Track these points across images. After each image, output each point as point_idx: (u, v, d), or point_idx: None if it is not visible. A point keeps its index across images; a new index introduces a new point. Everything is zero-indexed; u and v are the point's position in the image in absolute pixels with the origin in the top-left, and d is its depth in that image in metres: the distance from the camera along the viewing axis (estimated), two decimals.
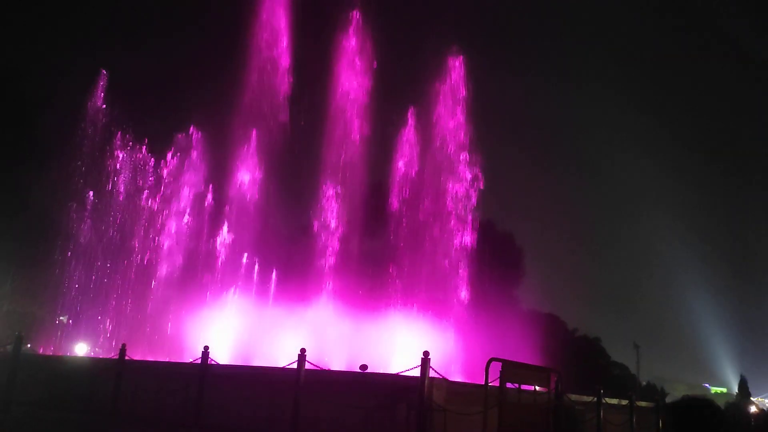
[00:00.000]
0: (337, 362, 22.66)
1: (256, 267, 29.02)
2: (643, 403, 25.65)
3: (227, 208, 29.65)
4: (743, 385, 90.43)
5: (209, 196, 31.75)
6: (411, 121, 28.90)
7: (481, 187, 28.41)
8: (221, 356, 16.93)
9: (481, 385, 13.47)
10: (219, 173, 30.89)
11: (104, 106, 32.62)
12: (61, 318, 38.16)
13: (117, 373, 17.37)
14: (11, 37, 54.94)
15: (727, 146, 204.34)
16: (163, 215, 32.88)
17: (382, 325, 24.51)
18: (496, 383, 13.32)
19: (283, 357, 15.52)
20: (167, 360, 25.15)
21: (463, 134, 28.69)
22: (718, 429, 4.08)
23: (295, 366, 14.36)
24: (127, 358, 17.91)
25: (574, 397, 18.77)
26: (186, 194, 32.62)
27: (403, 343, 22.06)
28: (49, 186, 35.38)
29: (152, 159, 33.28)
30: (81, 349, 34.58)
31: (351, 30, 29.21)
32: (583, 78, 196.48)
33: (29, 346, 31.24)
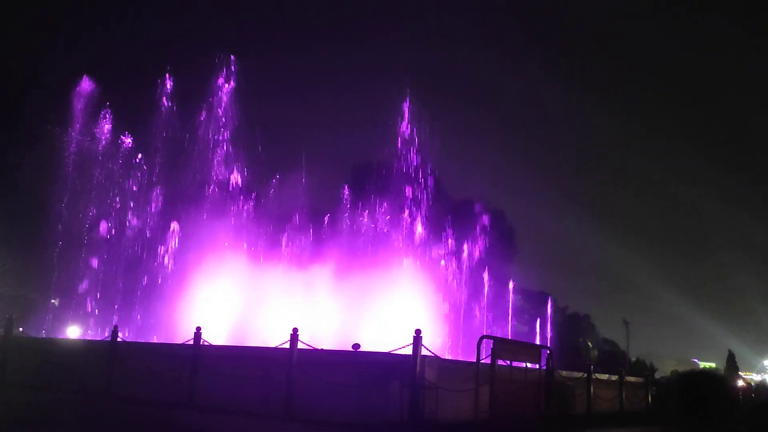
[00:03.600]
0: (330, 341, 22.76)
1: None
2: (632, 379, 25.99)
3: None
4: (731, 360, 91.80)
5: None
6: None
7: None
8: (214, 336, 16.92)
9: (473, 363, 13.58)
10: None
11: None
12: (53, 301, 38.03)
13: (110, 354, 17.37)
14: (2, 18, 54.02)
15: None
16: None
17: (376, 299, 24.60)
18: (488, 360, 13.44)
19: (276, 336, 15.57)
20: (160, 341, 25.18)
21: None
22: (722, 396, 4.38)
23: (287, 345, 14.41)
24: (119, 339, 17.91)
25: (564, 373, 18.97)
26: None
27: (395, 320, 22.16)
28: (38, 165, 35.04)
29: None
30: (73, 331, 34.53)
31: None
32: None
33: (21, 330, 31.14)
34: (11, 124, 34.62)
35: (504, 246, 45.88)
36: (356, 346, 18.44)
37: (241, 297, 25.91)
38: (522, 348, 15.93)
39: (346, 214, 29.59)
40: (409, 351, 13.08)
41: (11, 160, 35.53)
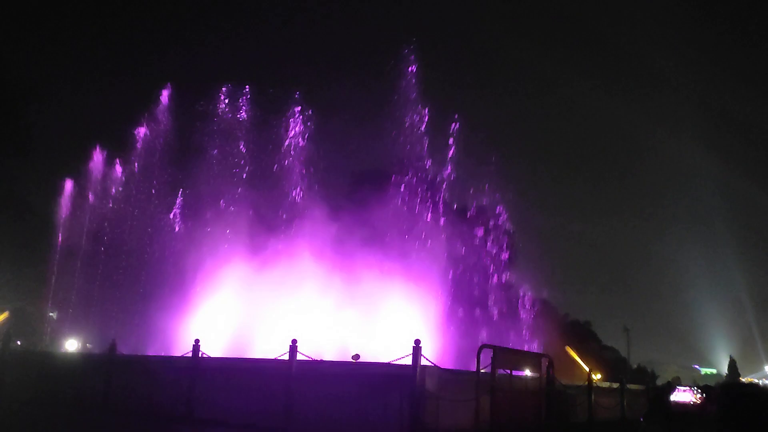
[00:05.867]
0: (330, 352, 22.64)
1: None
2: (633, 386, 25.90)
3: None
4: (732, 366, 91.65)
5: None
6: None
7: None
8: (212, 349, 16.83)
9: (473, 372, 13.50)
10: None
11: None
12: (50, 314, 37.87)
13: (108, 368, 17.26)
14: None
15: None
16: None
17: (374, 310, 24.48)
18: (488, 369, 13.37)
19: (275, 348, 15.47)
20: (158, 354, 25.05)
21: None
22: None
23: (287, 357, 14.33)
24: (117, 352, 17.80)
25: (565, 381, 18.88)
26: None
27: (394, 331, 22.05)
28: (35, 176, 35.01)
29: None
30: (71, 345, 34.37)
31: None
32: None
33: (18, 343, 31.01)
34: (9, 136, 34.61)
35: (504, 252, 45.72)
36: (356, 356, 18.39)
37: (240, 308, 25.78)
38: (522, 357, 15.87)
39: (347, 222, 29.46)
40: (409, 361, 13.00)
41: (8, 170, 35.53)
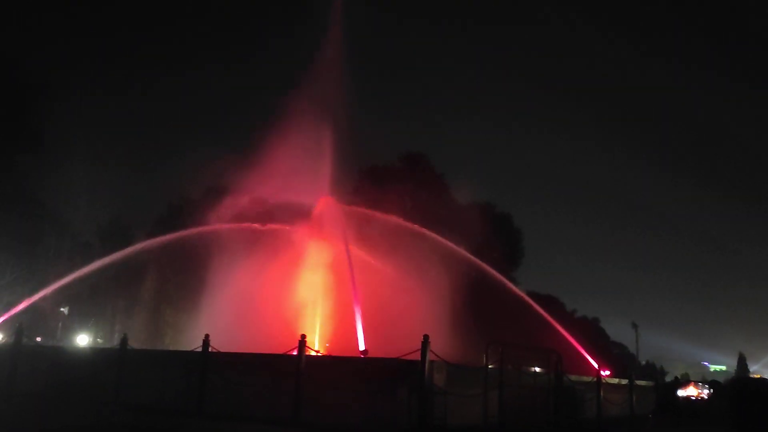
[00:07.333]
0: (338, 347, 22.72)
1: None
2: (642, 382, 25.87)
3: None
4: (742, 362, 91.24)
5: None
6: None
7: None
8: (222, 343, 16.92)
9: (482, 368, 13.55)
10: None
11: None
12: (62, 309, 38.23)
13: (119, 362, 17.40)
14: (11, 24, 54.75)
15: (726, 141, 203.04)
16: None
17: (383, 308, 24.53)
18: (497, 365, 13.41)
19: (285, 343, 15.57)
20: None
21: None
22: None
23: (296, 352, 14.42)
24: (128, 347, 17.94)
25: (574, 377, 18.87)
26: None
27: (403, 326, 22.12)
28: (47, 173, 35.27)
29: None
30: (83, 339, 34.69)
31: None
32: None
33: (39, 339, 31.36)
34: (22, 132, 34.87)
35: (510, 249, 45.78)
36: (365, 352, 18.45)
37: (249, 303, 25.91)
38: (530, 352, 15.88)
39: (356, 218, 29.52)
40: (417, 356, 13.03)
41: (21, 167, 35.78)
